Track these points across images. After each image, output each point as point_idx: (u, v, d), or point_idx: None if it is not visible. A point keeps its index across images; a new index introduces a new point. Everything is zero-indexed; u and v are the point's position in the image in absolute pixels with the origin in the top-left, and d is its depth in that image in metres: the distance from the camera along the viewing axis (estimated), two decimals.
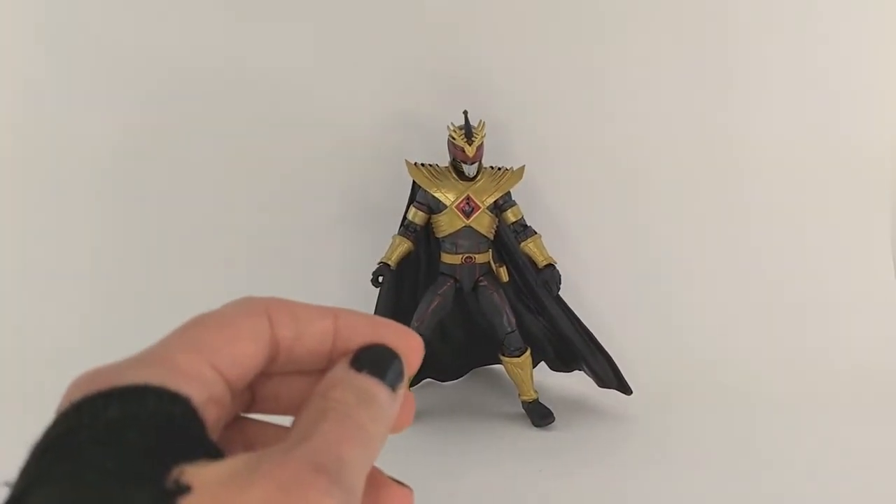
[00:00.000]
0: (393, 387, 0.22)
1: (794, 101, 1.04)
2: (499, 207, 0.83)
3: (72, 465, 0.16)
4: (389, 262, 0.82)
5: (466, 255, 0.82)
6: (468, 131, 0.79)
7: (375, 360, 0.22)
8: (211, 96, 0.98)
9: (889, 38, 1.04)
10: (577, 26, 1.00)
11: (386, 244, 0.83)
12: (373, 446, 0.20)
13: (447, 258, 0.83)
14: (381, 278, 0.82)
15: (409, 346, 0.24)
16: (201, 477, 0.16)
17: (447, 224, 0.81)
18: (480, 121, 0.80)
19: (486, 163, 0.83)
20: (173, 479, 0.16)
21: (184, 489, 0.16)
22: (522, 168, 0.84)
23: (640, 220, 1.04)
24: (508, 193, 0.83)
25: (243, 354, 0.21)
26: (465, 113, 0.80)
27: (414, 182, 0.84)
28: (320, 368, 0.24)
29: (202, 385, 0.20)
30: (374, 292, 0.84)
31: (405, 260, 0.83)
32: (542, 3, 0.99)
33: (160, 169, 0.99)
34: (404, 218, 0.84)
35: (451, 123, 0.80)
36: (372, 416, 0.20)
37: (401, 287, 0.86)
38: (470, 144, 0.79)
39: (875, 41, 1.04)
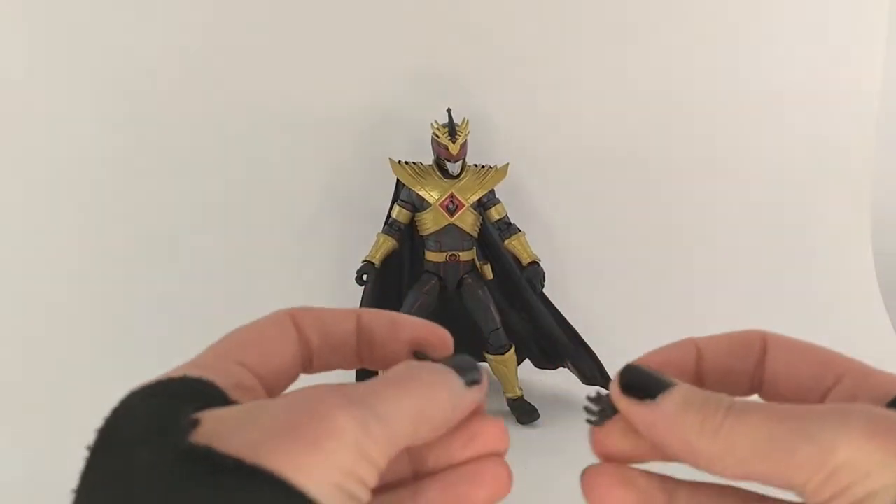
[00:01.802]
0: (466, 380, 0.22)
1: (775, 104, 1.05)
2: (483, 205, 0.83)
3: (106, 440, 0.18)
4: (374, 261, 0.82)
5: (450, 253, 0.82)
6: (452, 129, 0.79)
7: (455, 362, 0.22)
8: (192, 94, 0.97)
9: (867, 37, 1.05)
10: (561, 23, 1.00)
11: (370, 242, 0.83)
12: (429, 399, 0.20)
13: (431, 256, 0.82)
14: (365, 277, 0.81)
15: (438, 336, 0.25)
16: (212, 413, 0.18)
17: (431, 222, 0.81)
18: (464, 118, 0.80)
19: (469, 161, 0.83)
20: (187, 421, 0.17)
21: (192, 423, 0.17)
22: (506, 166, 0.84)
23: (624, 218, 1.04)
24: (492, 191, 0.83)
25: (268, 352, 0.22)
26: (449, 110, 0.80)
27: (398, 180, 0.83)
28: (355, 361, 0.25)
29: (226, 375, 0.21)
30: (359, 290, 0.83)
31: (389, 258, 0.83)
32: (527, 1, 0.99)
33: (142, 168, 0.98)
34: (388, 216, 0.84)
35: (435, 121, 0.80)
36: (434, 377, 0.21)
37: (385, 285, 0.86)
38: (454, 142, 0.79)
39: (854, 41, 1.05)
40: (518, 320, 0.86)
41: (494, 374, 0.83)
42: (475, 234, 0.83)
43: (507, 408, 0.82)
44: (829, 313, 1.01)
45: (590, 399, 0.23)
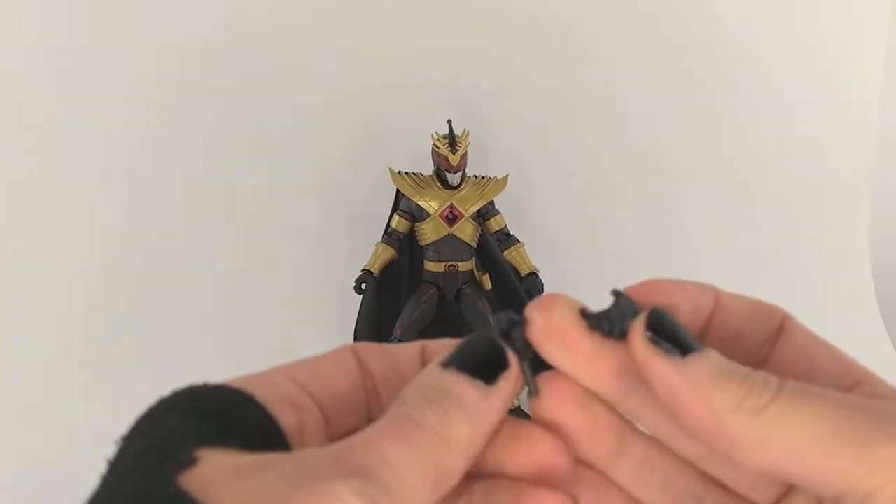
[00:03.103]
0: (488, 381, 0.19)
1: (775, 115, 1.05)
2: (482, 216, 0.84)
3: (119, 454, 0.17)
4: (373, 270, 0.82)
5: (449, 263, 0.82)
6: (452, 140, 0.79)
7: (465, 353, 0.19)
8: (190, 101, 0.97)
9: (867, 49, 1.06)
10: (562, 35, 1.00)
11: (369, 252, 0.83)
12: (442, 449, 0.17)
13: (430, 266, 0.83)
14: (364, 286, 0.81)
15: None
16: (218, 457, 0.16)
17: (431, 232, 0.82)
18: (464, 130, 0.81)
19: (469, 172, 0.83)
20: (184, 458, 0.16)
21: (188, 462, 0.16)
22: (506, 177, 0.84)
23: (623, 229, 1.05)
24: (492, 202, 0.84)
25: (324, 374, 0.20)
26: (450, 122, 0.80)
27: (398, 190, 0.84)
28: None
29: (272, 387, 0.19)
30: (357, 300, 0.84)
31: (388, 268, 0.83)
32: (528, 12, 1.00)
33: (143, 176, 0.98)
34: (388, 226, 0.84)
35: (436, 132, 0.81)
36: (445, 416, 0.18)
37: (384, 295, 0.86)
38: (454, 153, 0.79)
39: (853, 53, 1.06)
40: None
41: None
42: (474, 245, 0.83)
43: None
44: (826, 329, 1.01)
45: (614, 293, 0.20)
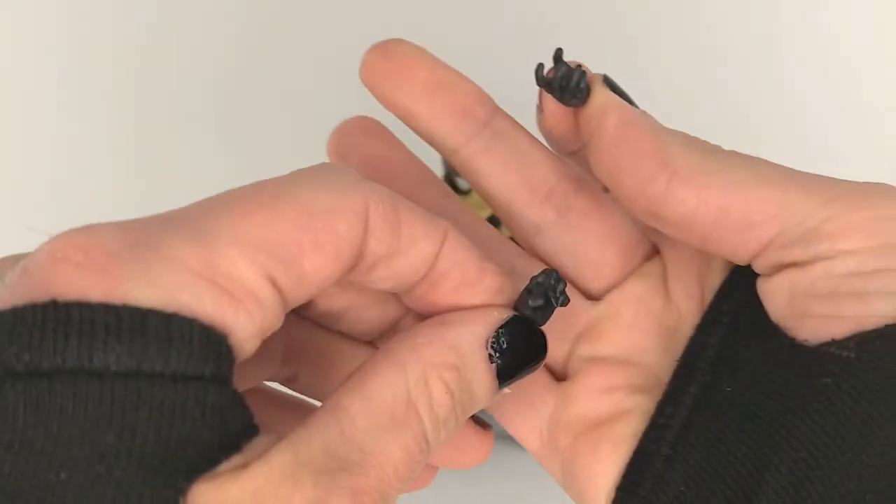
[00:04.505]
0: (500, 387, 0.16)
1: (802, 100, 1.04)
2: (493, 222, 0.83)
3: (35, 461, 0.10)
4: None
5: None
6: None
7: (517, 351, 0.16)
8: (198, 107, 0.97)
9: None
10: (572, 38, 1.00)
11: None
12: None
13: None
14: None
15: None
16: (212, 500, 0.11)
17: None
18: None
19: None
20: None
21: None
22: None
23: None
24: None
25: (317, 271, 0.13)
26: None
27: None
28: (402, 291, 0.17)
29: (252, 312, 0.12)
30: None
31: None
32: (536, 15, 1.00)
33: (150, 182, 0.98)
34: None
35: None
36: (452, 430, 0.15)
37: None
38: None
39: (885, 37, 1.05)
40: None
41: None
42: None
43: None
44: None
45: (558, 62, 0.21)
